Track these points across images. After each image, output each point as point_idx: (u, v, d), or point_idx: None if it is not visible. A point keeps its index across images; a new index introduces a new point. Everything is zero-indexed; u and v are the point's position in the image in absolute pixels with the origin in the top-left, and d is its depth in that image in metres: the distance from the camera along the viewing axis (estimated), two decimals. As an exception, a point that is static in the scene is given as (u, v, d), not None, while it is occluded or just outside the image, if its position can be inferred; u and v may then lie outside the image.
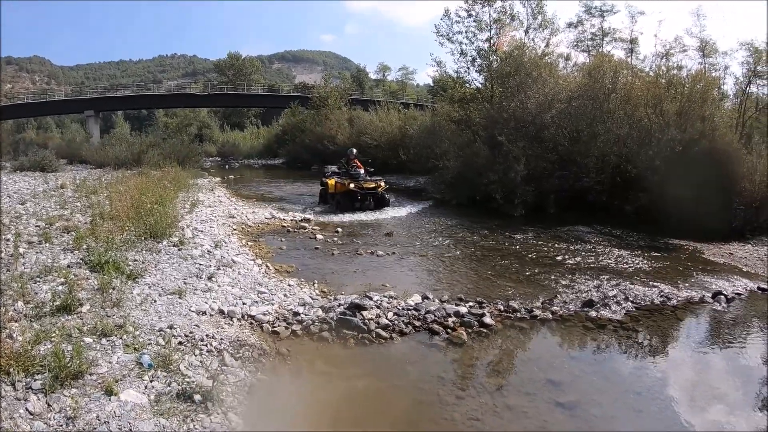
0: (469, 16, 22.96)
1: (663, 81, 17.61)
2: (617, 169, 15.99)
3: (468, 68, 23.70)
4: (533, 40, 22.76)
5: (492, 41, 22.88)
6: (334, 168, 19.18)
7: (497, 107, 19.73)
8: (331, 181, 17.97)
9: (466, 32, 23.15)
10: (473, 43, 23.19)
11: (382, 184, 17.99)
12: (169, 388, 4.67)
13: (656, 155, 15.15)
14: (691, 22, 45.45)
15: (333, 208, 17.67)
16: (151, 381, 4.75)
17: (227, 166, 41.83)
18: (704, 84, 16.73)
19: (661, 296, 8.73)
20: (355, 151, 19.39)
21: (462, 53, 23.41)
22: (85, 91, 61.92)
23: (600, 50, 27.31)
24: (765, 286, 9.64)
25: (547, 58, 21.68)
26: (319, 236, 12.78)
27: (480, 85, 23.68)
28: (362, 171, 18.04)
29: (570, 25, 29.43)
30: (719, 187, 14.20)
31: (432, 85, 37.31)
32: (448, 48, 23.74)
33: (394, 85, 73.41)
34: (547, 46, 22.63)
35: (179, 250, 9.50)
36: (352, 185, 17.23)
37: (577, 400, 5.48)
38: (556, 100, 18.30)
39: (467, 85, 24.24)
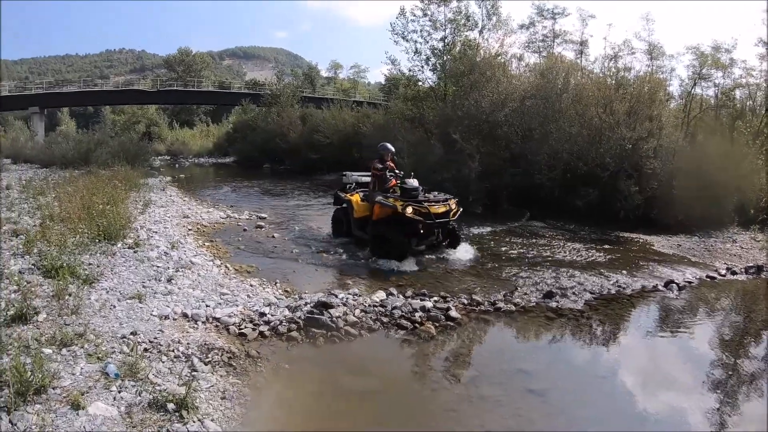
0: (425, 15, 23.12)
1: (612, 82, 18.19)
2: (568, 166, 16.29)
3: (422, 67, 23.90)
4: (487, 40, 23.06)
5: (446, 40, 23.09)
6: (357, 176, 12.67)
7: (451, 105, 19.92)
8: (356, 198, 11.55)
9: (420, 31, 23.33)
10: (428, 42, 23.39)
11: (453, 204, 10.82)
12: (139, 398, 4.42)
13: (606, 152, 15.63)
14: (640, 26, 46.90)
15: (362, 247, 11.28)
16: (119, 391, 4.48)
17: (177, 165, 41.09)
18: (652, 85, 17.44)
19: (617, 286, 9.03)
20: (392, 148, 11.78)
21: (416, 52, 23.57)
22: (30, 87, 59.31)
23: (551, 51, 27.63)
24: (714, 275, 10.17)
25: (500, 58, 21.95)
26: (276, 234, 12.64)
27: (433, 84, 23.89)
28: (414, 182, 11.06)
29: (522, 26, 29.54)
30: (666, 182, 15.01)
31: (384, 83, 37.48)
32: (402, 46, 23.85)
33: (346, 83, 73.05)
34: (501, 46, 22.93)
35: (135, 252, 9.17)
36: (408, 209, 10.16)
37: (548, 387, 5.63)
38: (510, 99, 18.45)
39: (420, 83, 24.44)
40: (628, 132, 15.65)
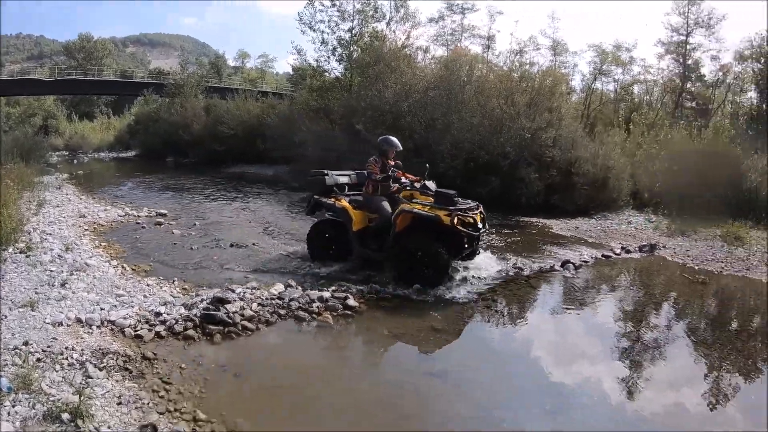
0: (333, 5, 23.19)
1: (516, 75, 18.85)
2: (471, 155, 16.59)
3: (328, 57, 23.96)
4: (394, 32, 23.35)
5: (353, 31, 23.21)
6: (338, 175, 10.02)
7: (356, 96, 20.04)
8: (344, 203, 9.26)
9: (328, 21, 23.48)
10: (335, 32, 23.50)
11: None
12: (34, 411, 4.22)
13: (506, 142, 16.08)
14: (545, 24, 49.38)
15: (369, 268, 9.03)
16: (13, 406, 4.26)
17: (75, 161, 39.15)
18: (553, 79, 18.27)
19: (515, 268, 9.28)
20: (398, 144, 9.38)
21: (323, 42, 23.66)
22: None
23: (458, 45, 28.38)
24: (609, 254, 10.77)
25: (406, 50, 22.25)
26: (176, 231, 12.22)
27: (340, 75, 23.97)
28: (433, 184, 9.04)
29: (432, 20, 30.33)
30: (565, 169, 15.87)
31: (292, 73, 37.29)
32: (309, 36, 23.88)
33: (254, 73, 71.51)
34: (407, 38, 23.26)
35: (27, 256, 8.59)
36: (455, 219, 8.11)
37: (448, 369, 5.79)
38: (413, 90, 18.80)
39: (327, 74, 24.48)
40: (528, 122, 16.17)
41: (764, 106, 23.05)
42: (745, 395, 5.53)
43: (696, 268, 10.24)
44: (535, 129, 16.18)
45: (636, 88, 29.14)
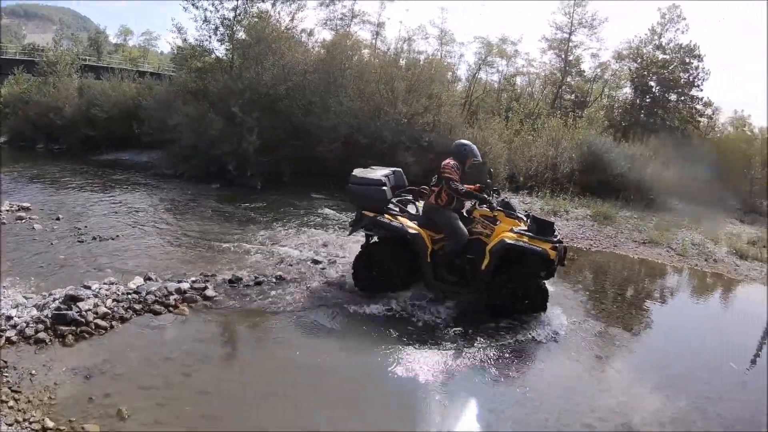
0: (218, -18, 22.34)
1: (402, 62, 19.27)
2: (349, 139, 16.72)
3: (210, 37, 23.13)
4: (279, 13, 22.83)
5: (237, 11, 22.52)
6: (385, 174, 8.05)
7: (234, 78, 19.53)
8: (413, 225, 7.41)
9: (212, -1, 22.53)
10: (218, 11, 22.65)
11: None
12: None
13: (383, 126, 16.20)
14: (435, 14, 51.03)
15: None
16: None
17: (-64, 151, 36.15)
18: (436, 66, 18.79)
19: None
20: (477, 152, 7.74)
21: (206, 20, 22.74)
22: None
23: (347, 30, 28.45)
24: None
25: (290, 32, 21.87)
26: (37, 226, 11.29)
27: (221, 56, 23.29)
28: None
29: (322, 3, 30.26)
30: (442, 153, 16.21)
31: (176, 53, 36.00)
32: (192, 14, 22.90)
33: (136, 52, 68.84)
34: (292, 20, 22.82)
35: None
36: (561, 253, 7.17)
37: (323, 349, 6.10)
38: (292, 72, 18.59)
39: (208, 54, 23.71)
40: (405, 107, 16.42)
41: (637, 100, 24.89)
42: (630, 358, 6.49)
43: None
44: (413, 114, 16.44)
45: (519, 80, 31.03)
